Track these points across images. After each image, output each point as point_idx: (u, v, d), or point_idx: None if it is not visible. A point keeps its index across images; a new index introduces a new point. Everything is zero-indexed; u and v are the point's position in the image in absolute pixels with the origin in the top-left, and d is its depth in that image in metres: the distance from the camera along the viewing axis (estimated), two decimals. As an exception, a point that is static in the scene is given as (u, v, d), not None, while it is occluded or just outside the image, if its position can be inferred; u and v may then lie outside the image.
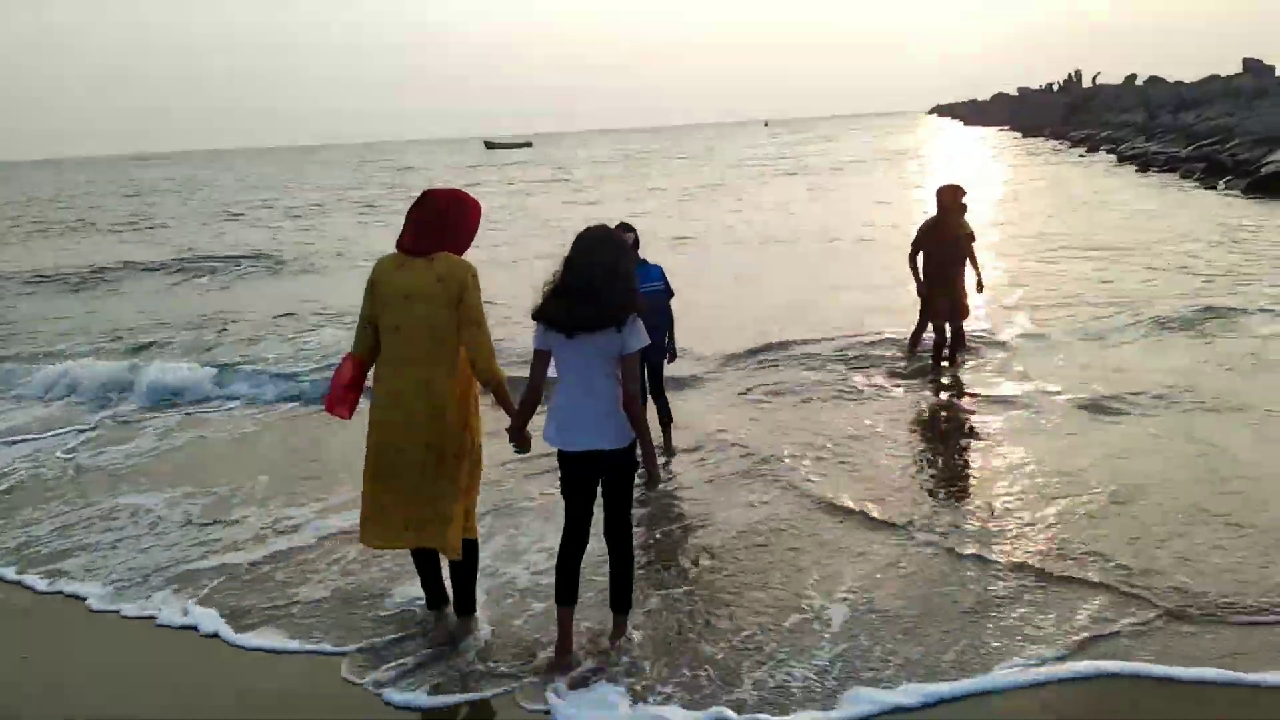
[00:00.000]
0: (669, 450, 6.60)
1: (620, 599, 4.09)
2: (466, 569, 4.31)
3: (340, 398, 4.16)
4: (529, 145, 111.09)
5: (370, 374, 4.18)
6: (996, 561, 4.71)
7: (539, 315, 3.79)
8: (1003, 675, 3.76)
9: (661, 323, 6.21)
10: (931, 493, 5.76)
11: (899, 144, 62.52)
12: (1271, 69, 54.55)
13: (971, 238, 8.09)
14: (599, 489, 3.95)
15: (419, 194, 4.13)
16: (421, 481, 4.03)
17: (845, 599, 4.43)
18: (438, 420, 4.00)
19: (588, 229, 3.85)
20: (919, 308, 8.48)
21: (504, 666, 4.03)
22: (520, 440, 3.96)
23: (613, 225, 4.09)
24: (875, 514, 5.38)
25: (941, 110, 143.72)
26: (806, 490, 5.81)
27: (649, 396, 6.29)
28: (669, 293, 6.38)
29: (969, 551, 4.83)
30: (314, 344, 10.84)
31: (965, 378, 8.13)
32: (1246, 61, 57.01)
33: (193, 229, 26.92)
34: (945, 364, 8.31)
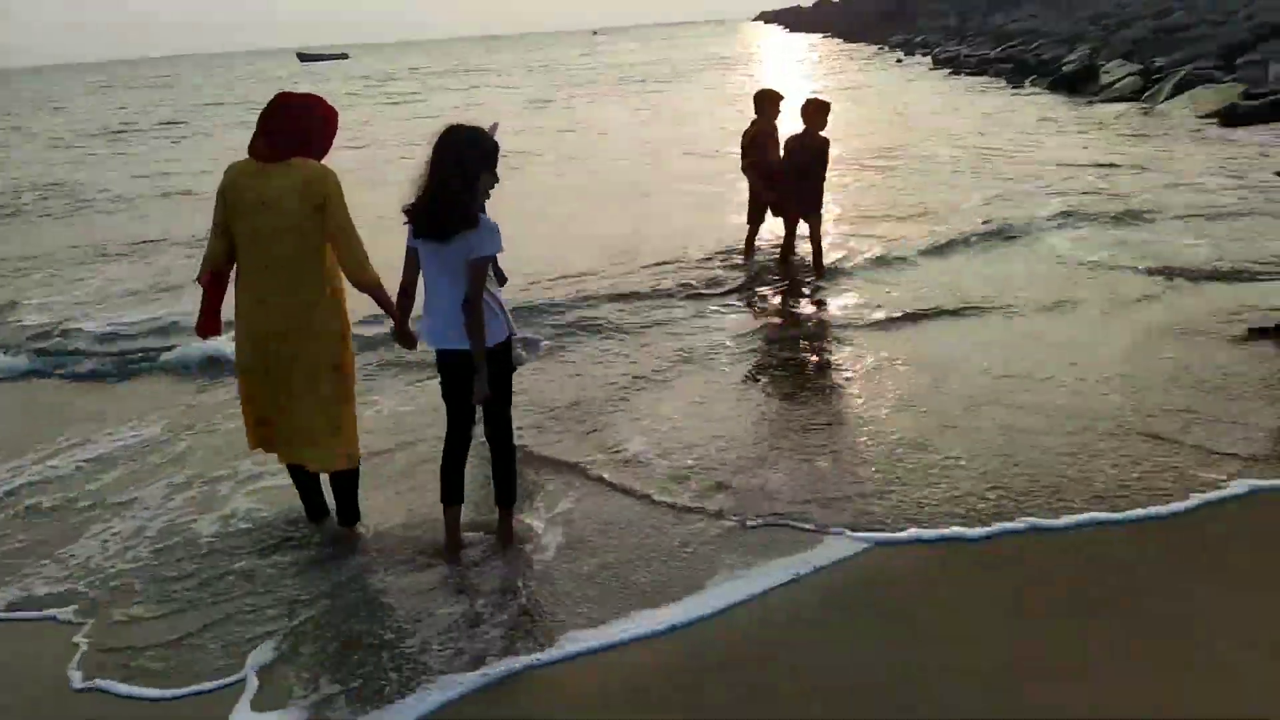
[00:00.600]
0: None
1: (505, 494, 4.12)
2: (348, 482, 4.22)
3: (207, 323, 4.07)
4: (345, 56, 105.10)
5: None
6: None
7: (407, 216, 3.74)
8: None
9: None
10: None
11: (727, 50, 62.53)
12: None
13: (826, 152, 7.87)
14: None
15: (272, 98, 3.91)
16: (294, 395, 3.94)
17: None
18: (305, 331, 3.88)
19: (449, 128, 3.72)
20: (754, 214, 8.36)
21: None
22: (405, 339, 4.03)
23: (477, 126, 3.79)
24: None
25: (767, 16, 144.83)
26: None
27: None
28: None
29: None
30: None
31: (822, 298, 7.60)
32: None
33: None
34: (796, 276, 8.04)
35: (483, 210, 3.85)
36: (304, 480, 4.30)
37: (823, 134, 7.75)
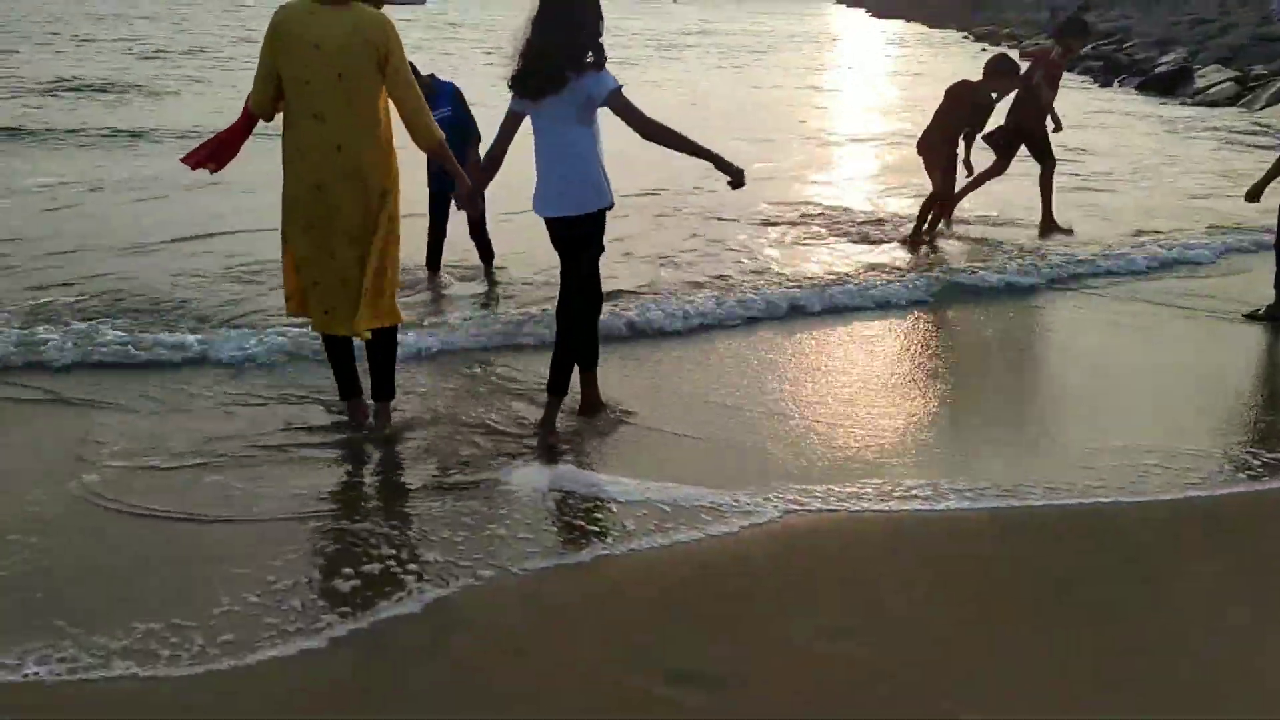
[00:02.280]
0: (490, 279, 6.33)
1: (589, 355, 4.34)
2: (385, 352, 4.11)
3: (216, 151, 3.87)
4: (422, 2, 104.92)
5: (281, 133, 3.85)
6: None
7: (513, 81, 3.87)
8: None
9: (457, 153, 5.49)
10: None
11: (820, 27, 61.63)
12: (1169, -24, 55.20)
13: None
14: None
15: None
16: (335, 254, 3.81)
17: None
18: (351, 184, 3.74)
19: None
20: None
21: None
22: (473, 203, 4.18)
23: None
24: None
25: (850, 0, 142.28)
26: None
27: (471, 232, 6.18)
28: (464, 119, 5.78)
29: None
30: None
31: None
32: (1147, -33, 57.52)
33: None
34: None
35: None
36: (339, 353, 4.16)
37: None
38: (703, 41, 41.05)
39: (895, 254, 7.44)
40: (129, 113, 13.99)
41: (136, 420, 4.32)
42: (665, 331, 5.62)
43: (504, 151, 4.07)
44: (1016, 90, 7.71)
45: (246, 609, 2.97)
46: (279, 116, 3.91)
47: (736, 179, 4.02)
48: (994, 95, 7.54)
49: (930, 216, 7.73)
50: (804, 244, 7.80)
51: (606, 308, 4.81)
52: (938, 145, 7.54)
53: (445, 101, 5.71)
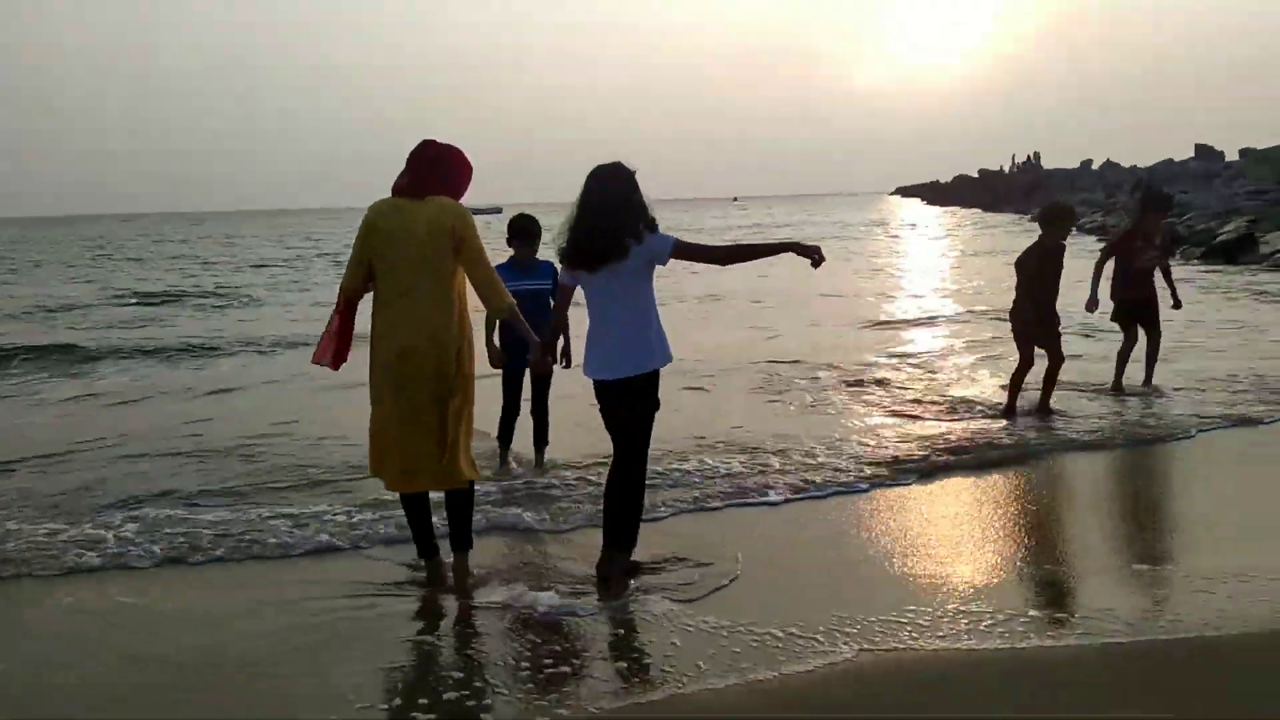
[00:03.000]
0: (540, 466, 6.32)
1: (630, 536, 4.36)
2: (466, 504, 4.39)
3: (327, 346, 4.30)
4: (499, 210, 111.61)
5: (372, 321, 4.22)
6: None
7: (565, 256, 4.16)
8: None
9: (544, 321, 5.31)
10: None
11: (877, 215, 63.48)
12: (1221, 155, 56.24)
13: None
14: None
15: (419, 143, 4.26)
16: (417, 415, 4.12)
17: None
18: (439, 356, 4.10)
19: (590, 173, 4.12)
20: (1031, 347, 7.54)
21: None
22: (542, 365, 4.44)
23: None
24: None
25: (905, 191, 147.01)
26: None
27: (533, 408, 6.27)
28: (553, 292, 5.93)
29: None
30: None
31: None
32: (1199, 147, 58.80)
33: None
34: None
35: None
36: (418, 512, 4.40)
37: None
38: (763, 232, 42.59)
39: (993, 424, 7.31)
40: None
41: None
42: (770, 503, 5.59)
43: (564, 320, 4.41)
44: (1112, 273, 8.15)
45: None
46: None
47: (816, 256, 4.03)
48: (1060, 241, 7.46)
49: (1047, 386, 7.55)
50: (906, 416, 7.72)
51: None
52: (1029, 318, 7.43)
53: (546, 275, 6.12)
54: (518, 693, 3.39)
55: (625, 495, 4.27)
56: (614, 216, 4.01)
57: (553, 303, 5.43)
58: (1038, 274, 7.40)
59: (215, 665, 3.67)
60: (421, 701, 3.34)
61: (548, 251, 5.13)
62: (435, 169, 4.20)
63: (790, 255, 4.09)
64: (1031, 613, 3.94)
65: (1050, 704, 3.25)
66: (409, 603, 4.27)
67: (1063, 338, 7.60)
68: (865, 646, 3.65)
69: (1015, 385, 7.55)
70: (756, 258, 4.23)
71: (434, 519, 4.47)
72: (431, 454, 4.17)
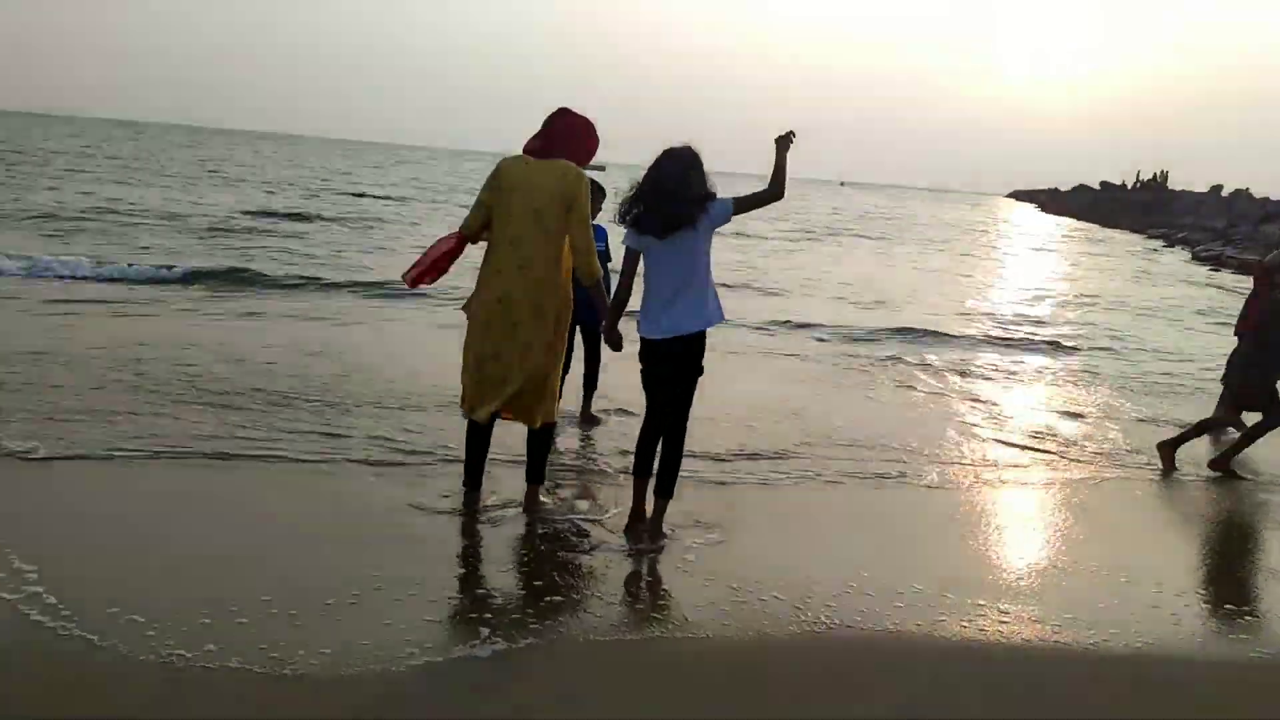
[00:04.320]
0: (586, 416, 6.63)
1: (667, 484, 4.65)
2: (545, 441, 4.77)
3: (433, 266, 4.65)
4: (603, 169, 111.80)
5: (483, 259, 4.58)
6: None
7: (630, 220, 4.46)
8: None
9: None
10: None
11: (998, 216, 61.55)
12: (1364, 195, 53.14)
13: None
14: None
15: (557, 109, 4.64)
16: (513, 356, 4.46)
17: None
18: (533, 301, 4.44)
19: (671, 147, 4.47)
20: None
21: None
22: (614, 339, 4.64)
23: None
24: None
25: (1019, 195, 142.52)
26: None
27: (585, 360, 6.56)
28: (605, 252, 6.35)
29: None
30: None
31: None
32: (1339, 185, 55.60)
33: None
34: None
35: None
36: (480, 445, 4.76)
37: None
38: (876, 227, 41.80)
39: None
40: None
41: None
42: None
43: (630, 289, 4.61)
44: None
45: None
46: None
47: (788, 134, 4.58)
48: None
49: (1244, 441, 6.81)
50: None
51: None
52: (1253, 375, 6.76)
53: (599, 237, 6.39)
54: (513, 614, 3.75)
55: (670, 445, 4.60)
56: (685, 189, 4.40)
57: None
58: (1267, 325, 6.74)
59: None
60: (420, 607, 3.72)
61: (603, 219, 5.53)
62: (566, 135, 4.57)
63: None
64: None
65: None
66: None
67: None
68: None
69: (1195, 433, 6.94)
70: (784, 174, 4.55)
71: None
72: (522, 390, 4.52)
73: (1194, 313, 17.44)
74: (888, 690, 3.42)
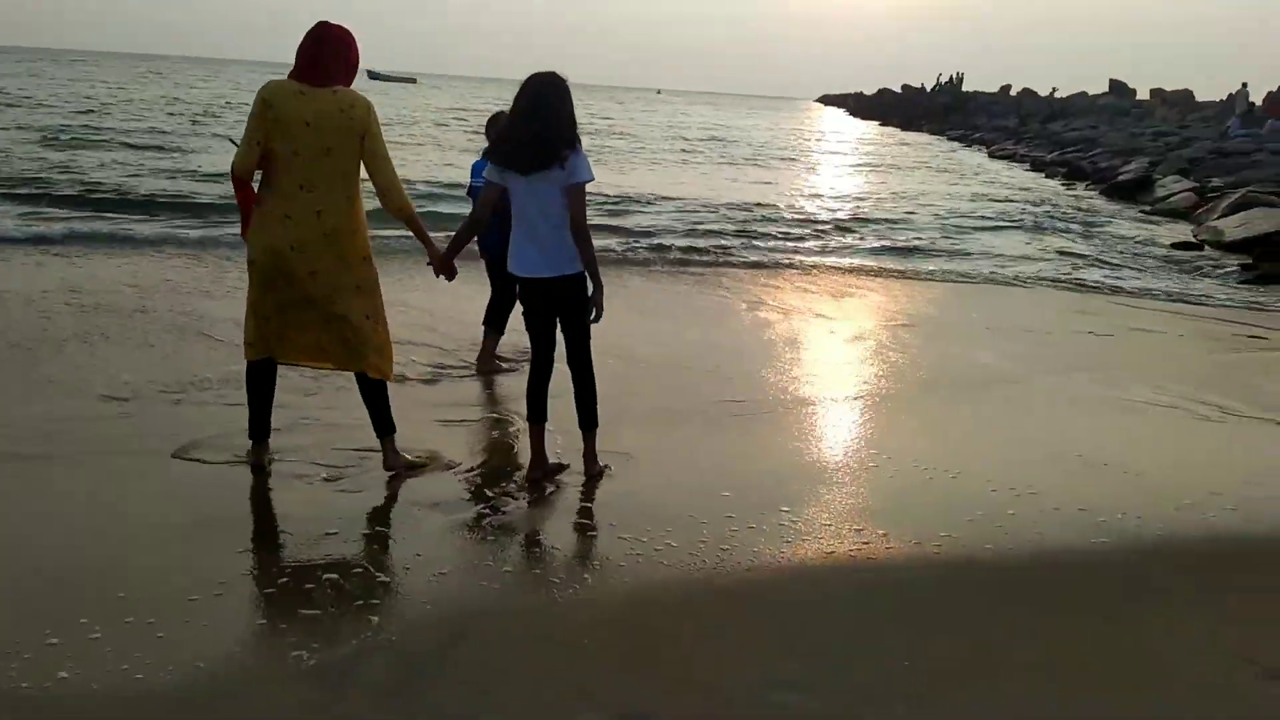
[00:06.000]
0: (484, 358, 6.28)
1: (588, 418, 4.48)
2: (382, 393, 4.37)
3: (248, 218, 4.14)
4: (413, 81, 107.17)
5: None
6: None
7: (496, 152, 4.21)
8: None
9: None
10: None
11: (810, 126, 63.20)
12: (1134, 91, 57.70)
13: None
14: (557, 317, 4.36)
15: (313, 25, 4.11)
16: (316, 310, 4.11)
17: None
18: (328, 249, 4.06)
19: (534, 74, 4.16)
20: None
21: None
22: (447, 268, 4.36)
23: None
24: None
25: (828, 100, 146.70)
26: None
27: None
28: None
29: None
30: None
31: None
32: (1113, 82, 60.12)
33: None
34: None
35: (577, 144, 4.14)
36: (264, 389, 4.35)
37: None
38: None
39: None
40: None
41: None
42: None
43: (487, 219, 4.33)
44: None
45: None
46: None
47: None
48: None
49: None
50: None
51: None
52: None
53: (477, 174, 5.95)
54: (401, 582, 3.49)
55: (579, 383, 4.41)
56: (554, 126, 4.08)
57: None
58: None
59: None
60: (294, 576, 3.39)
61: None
62: (337, 55, 4.04)
63: None
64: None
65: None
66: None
67: None
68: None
69: None
70: (588, 261, 4.22)
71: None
72: (338, 338, 4.17)
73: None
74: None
